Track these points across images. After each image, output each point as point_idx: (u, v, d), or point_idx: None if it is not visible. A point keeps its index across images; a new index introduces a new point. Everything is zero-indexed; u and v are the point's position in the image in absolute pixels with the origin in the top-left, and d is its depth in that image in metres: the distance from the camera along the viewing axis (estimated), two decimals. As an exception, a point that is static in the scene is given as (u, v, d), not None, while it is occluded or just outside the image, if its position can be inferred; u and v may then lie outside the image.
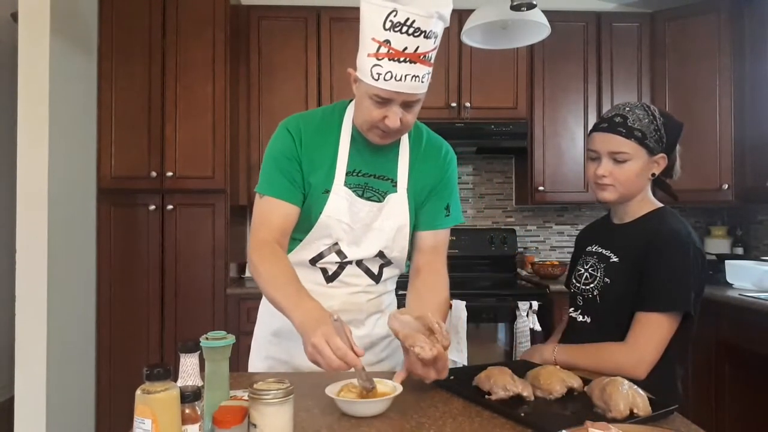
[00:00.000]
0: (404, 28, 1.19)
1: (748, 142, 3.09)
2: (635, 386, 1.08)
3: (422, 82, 1.25)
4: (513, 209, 3.74)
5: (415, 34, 1.20)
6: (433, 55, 1.26)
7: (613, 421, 0.99)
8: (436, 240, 1.48)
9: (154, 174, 2.97)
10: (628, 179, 1.41)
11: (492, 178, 3.73)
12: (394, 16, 1.19)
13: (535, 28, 2.14)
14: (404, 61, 1.21)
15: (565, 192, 3.38)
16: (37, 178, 2.56)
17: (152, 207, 2.98)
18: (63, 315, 2.68)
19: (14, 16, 2.95)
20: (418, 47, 1.21)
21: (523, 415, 1.05)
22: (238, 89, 3.20)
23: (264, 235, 1.36)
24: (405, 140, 1.44)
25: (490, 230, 3.56)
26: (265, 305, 1.56)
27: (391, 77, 1.22)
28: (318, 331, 1.12)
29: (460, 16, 3.21)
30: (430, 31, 1.22)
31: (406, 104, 1.28)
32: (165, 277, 2.99)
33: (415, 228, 1.48)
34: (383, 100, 1.26)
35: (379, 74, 1.22)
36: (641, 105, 1.44)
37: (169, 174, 2.97)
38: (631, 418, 1.02)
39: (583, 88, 3.39)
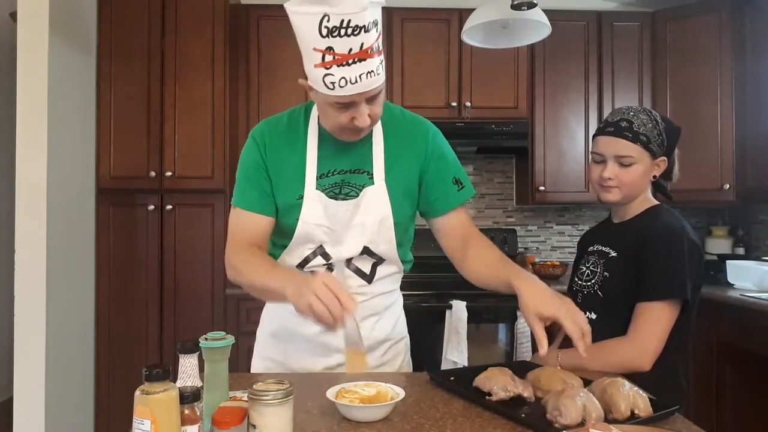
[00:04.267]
0: (342, 31, 1.13)
1: (750, 142, 3.09)
2: (636, 387, 1.08)
3: (378, 74, 1.20)
4: (513, 209, 3.73)
5: (355, 33, 1.14)
6: (380, 42, 1.20)
7: (614, 421, 0.99)
8: (460, 219, 1.44)
9: (153, 174, 2.96)
10: (633, 181, 1.45)
11: (492, 178, 3.73)
12: (327, 21, 1.13)
13: (536, 27, 2.14)
14: (354, 62, 1.15)
15: (566, 192, 3.37)
16: (36, 177, 2.55)
17: (151, 207, 2.97)
18: (62, 315, 2.68)
19: (13, 16, 2.94)
20: (362, 44, 1.15)
21: (523, 416, 1.04)
22: (238, 89, 3.20)
23: (240, 245, 1.37)
24: (378, 127, 1.40)
25: (491, 230, 3.55)
26: (265, 305, 1.56)
27: (346, 82, 1.16)
28: (315, 278, 1.13)
29: (460, 16, 3.22)
30: (369, 23, 1.15)
31: (370, 99, 1.24)
32: (164, 278, 2.98)
33: (431, 215, 1.45)
34: (346, 105, 1.22)
35: (333, 83, 1.17)
36: (643, 110, 1.48)
37: (168, 174, 2.97)
38: (633, 418, 1.02)
39: (584, 87, 3.38)
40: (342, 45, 1.14)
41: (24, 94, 2.55)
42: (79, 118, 2.86)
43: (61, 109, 2.67)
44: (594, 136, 1.52)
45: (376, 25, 1.18)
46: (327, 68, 1.16)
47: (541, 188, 3.35)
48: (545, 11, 2.08)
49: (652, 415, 1.03)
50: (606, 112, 3.34)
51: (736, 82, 3.16)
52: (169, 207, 2.98)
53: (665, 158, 1.47)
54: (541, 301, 1.19)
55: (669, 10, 3.36)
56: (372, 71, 1.18)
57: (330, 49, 1.15)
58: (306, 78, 1.25)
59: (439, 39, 3.23)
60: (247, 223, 1.38)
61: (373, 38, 1.17)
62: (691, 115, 3.20)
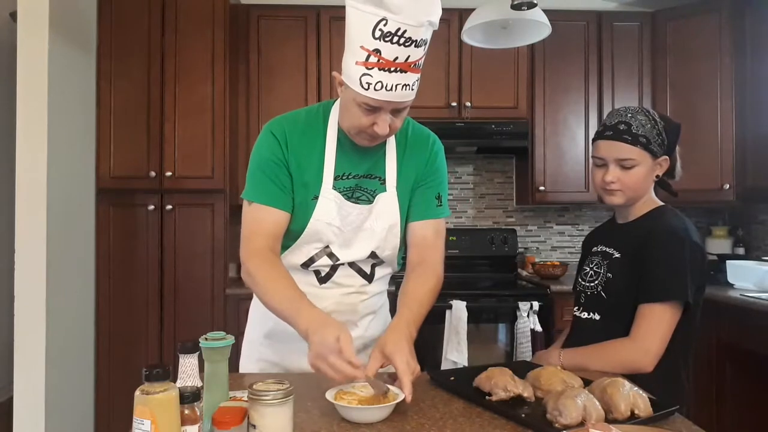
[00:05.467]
0: (395, 38, 1.16)
1: (750, 142, 3.09)
2: (636, 387, 1.08)
3: (412, 89, 1.24)
4: (513, 209, 3.73)
5: (406, 44, 1.17)
6: (422, 61, 1.24)
7: (614, 421, 0.99)
8: (428, 231, 1.45)
9: (153, 174, 2.96)
10: (636, 183, 1.45)
11: (492, 178, 3.73)
12: (384, 25, 1.16)
13: (536, 27, 2.13)
14: (395, 70, 1.19)
15: (566, 192, 3.37)
16: (36, 177, 2.55)
17: (151, 207, 2.97)
18: (62, 315, 2.68)
19: (13, 16, 2.94)
20: (408, 57, 1.19)
21: (523, 416, 1.05)
22: (238, 89, 3.19)
23: (257, 243, 1.35)
24: (392, 137, 1.42)
25: (491, 230, 3.55)
26: (256, 306, 1.56)
27: (382, 87, 1.19)
28: (329, 345, 1.10)
29: (460, 16, 3.22)
30: (421, 39, 1.20)
31: (395, 111, 1.26)
32: (164, 278, 2.98)
33: (406, 220, 1.46)
34: (372, 108, 1.24)
35: (369, 84, 1.19)
36: (641, 110, 1.47)
37: (168, 174, 2.97)
38: (633, 418, 1.02)
39: (584, 87, 3.38)
40: (390, 51, 1.18)
41: (24, 94, 2.55)
42: (78, 118, 2.86)
43: (61, 109, 2.67)
44: (593, 140, 1.52)
45: (425, 44, 1.23)
46: (368, 68, 1.19)
47: (541, 188, 3.35)
48: (545, 11, 2.08)
49: (652, 415, 1.03)
50: (606, 112, 3.34)
51: (735, 82, 3.16)
52: (169, 207, 2.98)
53: (667, 157, 1.47)
54: (390, 344, 1.18)
55: (669, 10, 3.36)
56: (408, 85, 1.22)
57: (377, 51, 1.18)
58: (340, 72, 1.27)
59: (439, 39, 3.23)
60: (264, 220, 1.36)
61: (419, 55, 1.21)
62: (691, 115, 3.19)
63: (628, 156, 1.43)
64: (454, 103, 3.28)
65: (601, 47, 3.38)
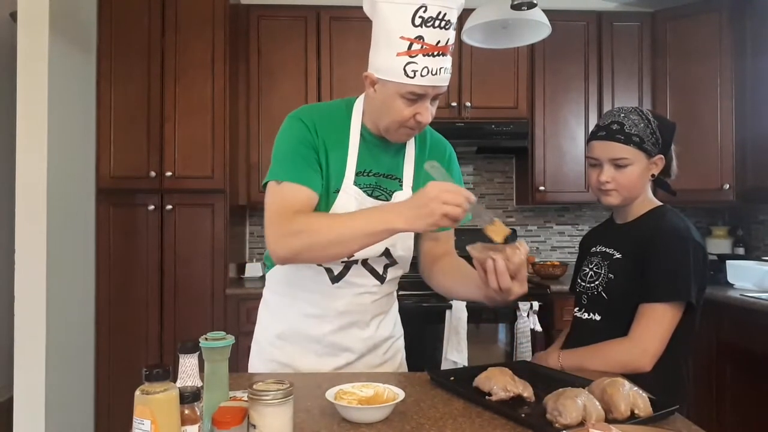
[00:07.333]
0: (436, 22, 1.20)
1: (750, 142, 3.09)
2: (636, 387, 1.08)
3: (449, 73, 1.27)
4: (513, 209, 3.73)
5: (446, 27, 1.21)
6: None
7: (614, 421, 0.99)
8: (446, 238, 1.50)
9: (153, 174, 2.96)
10: (631, 182, 1.45)
11: (492, 178, 3.73)
12: (424, 11, 1.19)
13: (536, 27, 2.13)
14: (437, 54, 1.22)
15: (566, 192, 3.37)
16: (36, 177, 2.55)
17: (151, 207, 2.98)
18: (62, 315, 2.68)
19: (13, 16, 2.94)
20: (448, 40, 1.23)
21: (523, 416, 1.05)
22: (238, 89, 3.20)
23: (289, 214, 1.28)
24: (411, 139, 1.43)
25: (491, 230, 3.55)
26: (266, 308, 1.55)
27: (428, 72, 1.22)
28: (430, 192, 1.13)
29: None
30: (455, 22, 1.24)
31: (433, 98, 1.29)
32: (164, 278, 2.98)
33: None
34: (417, 97, 1.25)
35: (414, 71, 1.21)
36: (634, 110, 1.48)
37: (168, 174, 2.97)
38: (633, 418, 1.02)
39: (584, 87, 3.38)
40: (433, 35, 1.21)
41: (24, 95, 2.55)
42: (79, 118, 2.86)
43: (61, 109, 2.67)
44: (587, 142, 1.53)
45: (455, 26, 1.26)
46: (412, 57, 1.21)
47: (541, 188, 3.35)
48: (545, 11, 2.08)
49: (652, 415, 1.03)
50: (606, 112, 3.35)
51: (735, 82, 3.16)
52: (169, 207, 2.98)
53: (662, 156, 1.47)
54: None
55: (669, 10, 3.36)
56: (447, 68, 1.26)
57: (420, 38, 1.20)
58: (374, 71, 1.27)
59: (439, 39, 3.23)
60: (297, 196, 1.30)
61: (453, 37, 1.26)
62: (690, 115, 3.20)
63: (621, 155, 1.43)
64: (454, 103, 3.28)
65: (601, 47, 3.38)
